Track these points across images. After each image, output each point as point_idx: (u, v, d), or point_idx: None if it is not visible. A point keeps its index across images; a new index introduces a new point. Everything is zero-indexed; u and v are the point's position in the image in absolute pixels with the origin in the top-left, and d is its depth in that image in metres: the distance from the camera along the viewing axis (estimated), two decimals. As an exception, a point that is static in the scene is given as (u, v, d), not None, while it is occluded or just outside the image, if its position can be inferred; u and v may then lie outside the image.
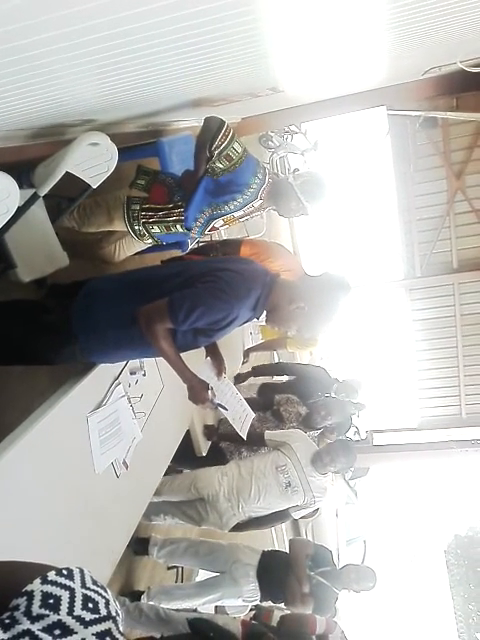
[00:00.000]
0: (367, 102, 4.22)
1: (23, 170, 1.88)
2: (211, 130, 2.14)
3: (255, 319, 1.78)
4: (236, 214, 2.34)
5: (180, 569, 3.31)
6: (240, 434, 2.08)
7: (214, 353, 1.96)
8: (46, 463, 1.47)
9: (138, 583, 3.02)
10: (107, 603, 0.62)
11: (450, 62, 3.19)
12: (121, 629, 0.61)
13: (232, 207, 2.29)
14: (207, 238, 3.60)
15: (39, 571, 0.62)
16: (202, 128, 2.21)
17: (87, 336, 1.64)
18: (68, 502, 1.56)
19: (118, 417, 1.83)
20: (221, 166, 2.19)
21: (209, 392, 1.78)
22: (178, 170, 2.56)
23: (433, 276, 7.42)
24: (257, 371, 3.96)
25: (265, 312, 1.73)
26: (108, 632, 0.59)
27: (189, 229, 2.37)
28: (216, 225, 2.39)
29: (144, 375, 2.06)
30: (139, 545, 2.97)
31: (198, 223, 2.37)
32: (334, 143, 8.97)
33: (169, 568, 3.28)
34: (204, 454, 2.97)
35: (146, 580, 3.08)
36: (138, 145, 2.72)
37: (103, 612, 0.61)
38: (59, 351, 1.66)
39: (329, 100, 4.04)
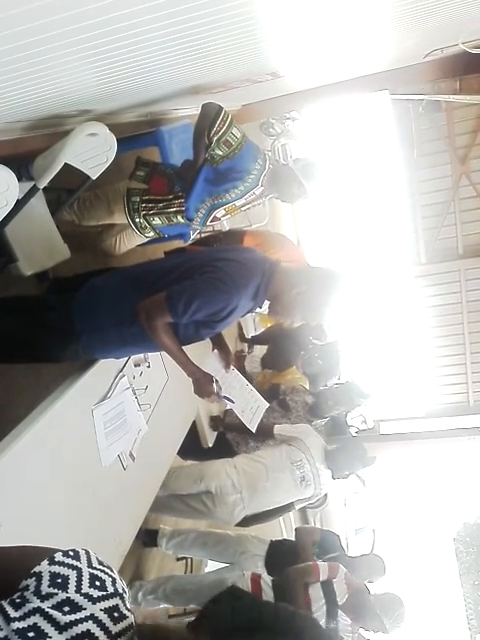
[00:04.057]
0: (369, 86, 4.17)
1: (22, 162, 1.86)
2: (209, 116, 2.11)
3: (257, 308, 1.75)
4: (237, 203, 2.31)
5: (189, 560, 3.33)
6: (249, 427, 2.03)
7: (220, 345, 1.93)
8: (53, 456, 1.47)
9: (148, 574, 3.03)
10: (114, 581, 0.64)
11: (452, 43, 3.13)
12: (128, 606, 0.63)
13: (233, 195, 2.26)
14: (209, 229, 3.58)
15: (46, 553, 0.64)
16: (200, 115, 2.18)
17: (89, 335, 1.63)
18: (75, 494, 1.56)
19: (123, 409, 1.83)
20: (220, 153, 2.17)
21: (214, 385, 1.76)
22: (178, 159, 2.54)
23: (439, 262, 7.35)
24: (255, 340, 4.15)
25: (267, 302, 1.71)
26: (116, 608, 0.61)
27: (190, 220, 2.35)
28: (217, 215, 2.37)
29: (148, 367, 2.06)
30: (148, 537, 2.98)
31: (199, 213, 2.35)
32: (337, 129, 8.87)
33: (178, 559, 3.29)
34: (210, 445, 2.97)
35: (155, 571, 3.10)
36: (137, 135, 2.69)
37: (110, 589, 0.63)
38: (63, 350, 1.65)
39: (330, 85, 3.98)
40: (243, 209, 2.42)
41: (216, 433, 3.03)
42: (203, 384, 1.74)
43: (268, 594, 2.53)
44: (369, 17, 1.94)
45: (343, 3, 1.58)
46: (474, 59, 3.44)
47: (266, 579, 2.62)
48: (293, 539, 3.14)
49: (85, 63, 1.30)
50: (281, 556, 2.91)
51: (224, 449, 3.05)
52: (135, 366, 1.97)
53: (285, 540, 3.31)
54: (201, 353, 1.87)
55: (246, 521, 2.84)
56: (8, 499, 1.29)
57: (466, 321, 7.57)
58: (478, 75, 4.23)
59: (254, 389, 2.09)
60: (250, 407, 2.05)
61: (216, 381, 1.77)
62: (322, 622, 2.48)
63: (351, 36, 2.26)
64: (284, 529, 5.06)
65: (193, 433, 2.75)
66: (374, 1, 1.71)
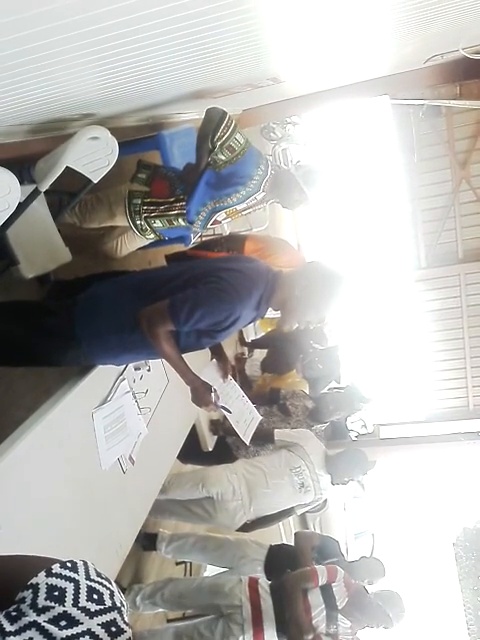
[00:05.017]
0: (369, 91, 4.18)
1: (24, 166, 1.87)
2: (213, 121, 2.12)
3: (260, 318, 1.75)
4: (239, 207, 2.32)
5: (189, 564, 3.32)
6: (243, 438, 2.02)
7: (219, 354, 1.93)
8: (52, 459, 1.47)
9: (147, 578, 3.02)
10: (112, 594, 0.63)
11: (452, 49, 3.15)
12: (126, 619, 0.62)
13: (235, 200, 2.27)
14: (210, 232, 3.59)
15: (44, 564, 0.63)
16: (204, 120, 2.19)
17: (90, 341, 1.63)
18: (75, 498, 1.55)
19: (123, 413, 1.83)
20: (223, 158, 2.18)
21: (212, 394, 1.75)
22: (179, 163, 2.55)
23: (439, 267, 7.36)
24: (255, 344, 4.13)
25: (274, 309, 1.70)
26: (113, 622, 0.59)
27: (191, 223, 2.35)
28: (218, 218, 2.38)
29: (149, 370, 2.06)
30: (147, 540, 2.97)
31: (200, 217, 2.35)
32: (337, 133, 8.92)
33: (178, 563, 3.28)
34: (210, 449, 2.96)
35: (154, 575, 3.09)
36: (139, 139, 2.70)
37: (108, 603, 0.61)
38: (63, 354, 1.65)
39: (331, 90, 4.00)
40: (244, 213, 2.42)
41: (216, 437, 3.03)
42: (201, 393, 1.73)
43: (266, 600, 2.52)
44: (370, 23, 1.96)
45: (344, 9, 1.59)
46: (474, 65, 3.45)
47: (264, 584, 2.61)
48: (292, 544, 3.13)
49: (90, 67, 1.30)
50: (280, 561, 2.91)
51: (224, 453, 3.05)
52: (135, 370, 1.96)
53: (284, 545, 3.30)
54: (200, 363, 1.86)
55: (247, 526, 2.83)
56: (7, 501, 1.29)
57: (466, 325, 7.57)
58: (478, 80, 4.24)
59: (249, 401, 2.08)
60: (245, 418, 2.04)
61: (214, 391, 1.76)
62: (322, 627, 2.47)
63: (352, 41, 2.27)
64: (283, 534, 5.04)
65: (193, 437, 2.75)
66: (375, 7, 1.72)
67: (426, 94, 5.52)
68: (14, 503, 1.30)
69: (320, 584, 2.53)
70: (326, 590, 2.52)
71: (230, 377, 1.94)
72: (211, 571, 3.31)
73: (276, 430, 2.98)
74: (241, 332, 4.43)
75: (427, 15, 1.96)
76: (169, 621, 2.95)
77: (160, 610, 2.80)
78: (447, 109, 6.17)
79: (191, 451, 2.76)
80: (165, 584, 2.75)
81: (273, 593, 2.54)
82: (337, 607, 2.50)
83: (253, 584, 2.58)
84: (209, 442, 2.95)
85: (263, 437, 2.96)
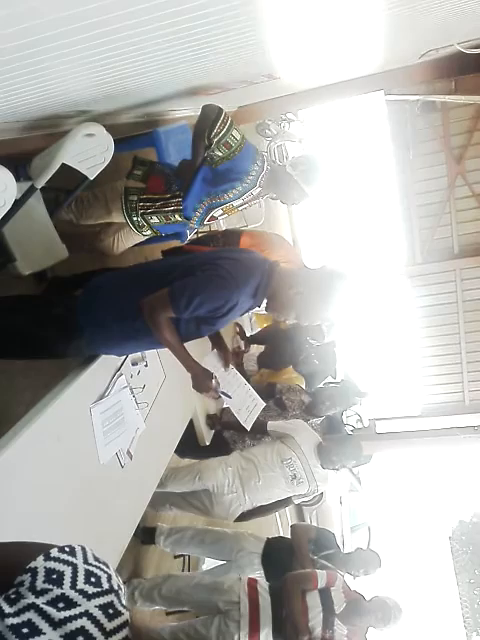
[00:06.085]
0: (364, 87, 4.19)
1: (20, 163, 1.87)
2: (209, 118, 2.13)
3: (257, 307, 1.78)
4: (235, 203, 2.33)
5: (187, 558, 3.34)
6: (244, 425, 2.07)
7: (219, 344, 1.97)
8: (51, 454, 1.48)
9: (145, 572, 3.04)
10: (109, 578, 0.64)
11: (447, 44, 3.16)
12: (123, 602, 0.63)
13: (231, 196, 2.28)
14: (206, 228, 3.59)
15: (42, 549, 0.64)
16: (200, 116, 2.19)
17: (93, 329, 1.65)
18: (73, 493, 1.57)
19: (121, 408, 1.84)
20: (220, 154, 2.18)
21: (213, 381, 1.79)
22: (175, 160, 2.55)
23: (434, 262, 7.39)
24: (252, 340, 4.12)
25: (266, 299, 1.74)
26: (110, 604, 0.61)
27: (188, 219, 2.36)
28: (215, 214, 2.39)
29: (146, 366, 2.07)
30: (146, 534, 2.99)
31: (197, 213, 2.36)
32: (332, 130, 8.91)
33: (176, 557, 3.31)
34: (208, 443, 2.98)
35: (153, 569, 3.11)
36: (134, 135, 2.70)
37: (105, 586, 0.62)
38: (65, 345, 1.67)
39: (326, 86, 4.00)
40: (240, 209, 2.43)
41: (213, 431, 3.05)
42: (202, 380, 1.78)
43: (265, 597, 2.53)
44: (364, 18, 1.96)
45: (338, 4, 1.59)
46: (469, 59, 3.47)
47: (263, 584, 2.62)
48: (289, 536, 3.16)
49: (83, 64, 1.30)
50: (277, 553, 2.93)
51: (221, 447, 3.06)
52: (133, 365, 1.98)
53: (281, 537, 3.33)
54: (200, 352, 1.89)
55: (243, 516, 2.85)
56: (6, 496, 1.30)
57: (462, 321, 7.61)
58: (473, 75, 4.26)
59: (252, 388, 2.12)
60: (246, 406, 2.09)
61: (215, 377, 1.81)
62: (318, 630, 2.48)
63: (347, 37, 2.28)
64: (280, 526, 5.08)
65: (190, 431, 2.77)
66: (369, 2, 1.73)
67: (421, 90, 5.53)
68: (12, 498, 1.32)
69: (319, 587, 2.55)
70: (324, 593, 2.54)
71: (231, 366, 1.98)
72: (209, 564, 3.34)
73: (269, 422, 2.99)
74: (241, 325, 4.43)
75: (421, 9, 1.96)
76: (168, 614, 2.97)
77: (157, 607, 2.81)
78: (442, 104, 6.19)
79: (188, 445, 2.77)
80: (164, 580, 2.76)
81: (272, 593, 2.55)
82: (334, 611, 2.50)
83: (252, 583, 2.60)
84: (206, 436, 2.96)
85: (258, 430, 2.98)
